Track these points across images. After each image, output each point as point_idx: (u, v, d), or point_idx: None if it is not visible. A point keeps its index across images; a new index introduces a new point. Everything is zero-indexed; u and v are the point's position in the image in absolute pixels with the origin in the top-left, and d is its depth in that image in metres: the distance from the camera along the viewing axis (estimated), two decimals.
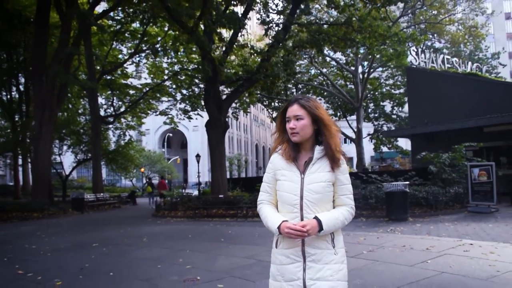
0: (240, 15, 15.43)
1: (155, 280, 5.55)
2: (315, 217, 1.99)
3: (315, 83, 36.46)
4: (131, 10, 23.67)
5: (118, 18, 26.98)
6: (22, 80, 29.98)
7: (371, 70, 34.61)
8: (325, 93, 36.70)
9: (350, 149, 43.80)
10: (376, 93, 39.08)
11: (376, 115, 40.26)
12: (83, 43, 23.97)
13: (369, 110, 39.99)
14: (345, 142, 44.17)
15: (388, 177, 14.65)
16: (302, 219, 2.04)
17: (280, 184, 2.13)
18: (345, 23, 18.59)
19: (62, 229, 12.99)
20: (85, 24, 20.02)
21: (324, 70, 35.62)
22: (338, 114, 38.38)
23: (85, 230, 12.75)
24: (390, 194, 11.64)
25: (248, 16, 17.12)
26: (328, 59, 34.19)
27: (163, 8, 13.87)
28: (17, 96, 30.56)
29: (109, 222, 15.30)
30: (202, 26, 16.84)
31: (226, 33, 20.15)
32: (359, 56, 32.02)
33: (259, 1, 18.46)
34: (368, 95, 38.24)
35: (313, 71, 36.45)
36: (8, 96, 30.65)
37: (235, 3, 14.04)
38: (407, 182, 12.25)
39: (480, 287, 4.63)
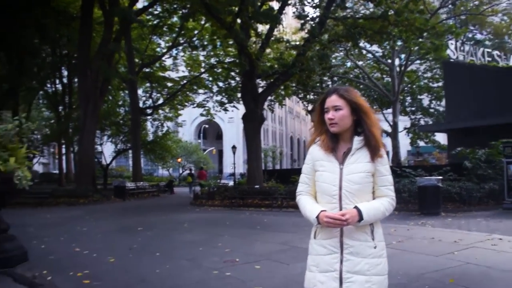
0: (276, 11, 15.79)
1: (198, 260, 6.10)
2: (355, 207, 2.00)
3: (351, 76, 36.28)
4: (169, 5, 24.41)
5: (157, 13, 27.75)
6: (65, 73, 31.36)
7: (409, 62, 34.08)
8: (361, 86, 36.47)
9: (385, 143, 43.37)
10: (414, 86, 38.42)
11: (413, 108, 39.66)
12: (123, 38, 24.90)
13: (406, 103, 39.40)
14: (381, 135, 43.82)
15: (422, 172, 14.72)
16: (341, 210, 2.04)
17: (319, 175, 2.14)
18: (381, 16, 18.57)
19: (108, 214, 13.85)
20: (126, 20, 20.85)
21: (360, 63, 35.36)
22: (374, 107, 38.07)
23: (129, 215, 13.56)
24: (422, 189, 11.81)
25: (284, 11, 17.40)
26: (364, 51, 33.93)
27: (202, 5, 14.39)
28: (60, 88, 32.01)
29: (150, 209, 16.14)
30: (239, 20, 17.35)
31: (262, 27, 20.52)
32: (396, 49, 31.63)
33: None
34: (405, 88, 37.68)
35: (349, 64, 36.27)
36: (53, 88, 32.20)
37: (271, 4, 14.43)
38: (440, 177, 12.36)
39: (502, 278, 4.87)
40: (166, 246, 7.35)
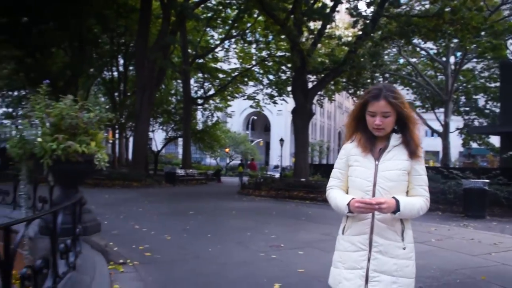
0: (329, 9, 16.02)
1: (246, 243, 6.65)
2: (393, 197, 1.96)
3: (403, 73, 35.62)
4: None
5: (211, 5, 28.45)
6: (121, 61, 32.83)
7: (465, 61, 33.01)
8: (413, 84, 35.75)
9: (435, 143, 42.40)
10: (469, 85, 37.14)
11: (467, 109, 38.39)
12: (179, 30, 25.81)
13: (460, 103, 38.20)
14: (431, 135, 42.76)
15: (470, 174, 14.54)
16: None
17: (352, 169, 2.13)
18: (435, 14, 18.28)
19: (160, 198, 14.73)
20: (182, 14, 21.67)
21: (414, 60, 34.63)
22: (426, 106, 37.25)
23: (180, 200, 14.38)
24: (468, 191, 11.77)
25: (337, 8, 17.55)
26: (418, 49, 33.18)
27: (257, 2, 14.86)
28: (116, 75, 33.56)
29: (199, 195, 16.94)
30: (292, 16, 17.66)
31: (314, 24, 20.72)
32: (452, 46, 30.73)
33: None
34: (460, 87, 36.54)
35: (401, 61, 35.60)
36: (109, 76, 33.83)
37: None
38: (487, 181, 12.24)
39: None
40: (216, 230, 7.96)
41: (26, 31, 22.75)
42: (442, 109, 34.78)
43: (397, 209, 1.94)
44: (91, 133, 4.94)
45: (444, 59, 32.62)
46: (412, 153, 2.06)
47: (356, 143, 2.15)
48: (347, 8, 20.41)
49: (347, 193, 2.15)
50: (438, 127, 34.93)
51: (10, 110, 45.87)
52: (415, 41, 27.48)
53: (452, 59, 33.19)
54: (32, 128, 4.65)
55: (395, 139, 2.09)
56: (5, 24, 22.31)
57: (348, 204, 2.02)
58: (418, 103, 36.63)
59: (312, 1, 14.97)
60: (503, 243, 7.18)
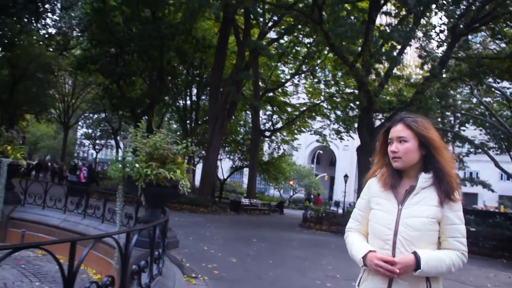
0: (396, 51, 16.46)
1: (304, 272, 7.20)
2: (414, 252, 1.71)
3: (476, 112, 34.52)
4: (296, 38, 26.26)
5: (283, 42, 29.70)
6: (194, 91, 34.76)
7: None
8: (487, 124, 34.47)
9: (508, 187, 40.22)
10: None
11: None
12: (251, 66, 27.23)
13: None
14: (507, 179, 40.59)
15: None
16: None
17: (373, 213, 1.88)
18: (509, 56, 18.04)
19: (225, 224, 15.57)
20: (256, 52, 22.98)
21: (488, 99, 33.52)
22: (502, 147, 35.62)
23: (244, 228, 15.12)
24: None
25: (404, 51, 17.89)
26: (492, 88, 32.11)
27: (328, 45, 15.65)
28: (189, 104, 35.47)
29: (262, 224, 17.62)
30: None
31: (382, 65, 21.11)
32: None
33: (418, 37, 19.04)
34: None
35: (474, 100, 34.57)
36: (183, 104, 35.83)
37: (393, 43, 15.12)
38: None
39: None
40: (277, 257, 8.56)
41: (114, 61, 25.31)
42: None
43: (417, 266, 1.68)
44: (177, 162, 5.82)
45: None
46: (445, 196, 1.75)
47: (379, 178, 1.92)
48: (416, 48, 20.63)
49: (367, 237, 1.93)
50: None
51: (90, 131, 50.15)
52: (489, 80, 26.84)
53: None
54: (132, 155, 5.63)
55: (424, 179, 1.80)
56: (97, 55, 25.01)
57: (364, 257, 1.80)
58: (491, 144, 35.19)
59: (380, 43, 15.49)
60: None
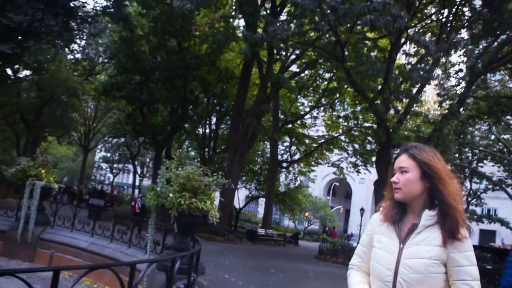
0: (416, 89, 16.87)
1: None
2: None
3: (495, 149, 34.31)
4: (316, 71, 26.94)
5: (304, 75, 30.31)
6: (214, 119, 35.33)
7: None
8: (505, 161, 34.18)
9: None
10: None
11: None
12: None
13: None
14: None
15: None
16: None
17: (374, 252, 1.78)
18: None
19: (243, 254, 15.79)
20: (278, 84, 23.59)
21: (506, 136, 33.34)
22: None
23: (261, 257, 15.33)
24: None
25: (423, 89, 18.27)
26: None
27: (349, 82, 16.15)
28: (208, 132, 36.03)
29: (278, 255, 17.78)
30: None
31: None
32: None
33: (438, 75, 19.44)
34: None
35: (493, 137, 34.44)
36: (202, 132, 36.36)
37: (412, 85, 15.62)
38: None
39: None
40: (295, 287, 8.77)
41: (139, 89, 26.16)
42: None
43: None
44: (207, 193, 6.19)
45: None
46: (449, 235, 1.63)
47: (382, 211, 1.84)
48: (435, 85, 20.96)
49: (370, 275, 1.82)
50: None
51: (108, 155, 51.00)
52: (508, 117, 26.88)
53: None
54: (166, 186, 6.02)
55: (428, 217, 1.68)
56: (122, 82, 25.91)
57: None
58: (510, 181, 34.77)
59: (399, 81, 15.92)
60: None
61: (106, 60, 31.36)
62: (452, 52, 14.81)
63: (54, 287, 2.07)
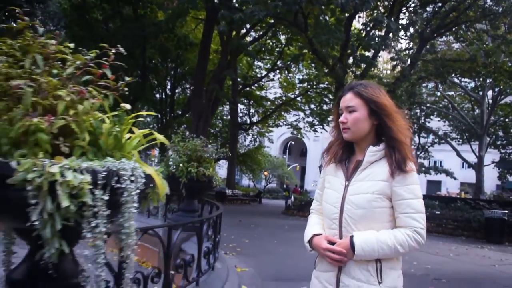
0: (371, 55, 18.30)
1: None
2: (351, 236, 1.62)
3: (440, 105, 36.86)
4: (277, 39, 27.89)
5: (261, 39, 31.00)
6: (169, 85, 35.47)
7: (502, 96, 33.90)
8: (450, 117, 36.91)
9: (468, 175, 43.13)
10: (507, 119, 37.78)
11: (504, 142, 39.04)
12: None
13: (499, 136, 38.82)
14: (468, 167, 43.42)
15: (496, 206, 16.15)
16: (341, 239, 1.67)
17: (324, 192, 1.81)
18: (469, 59, 20.11)
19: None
20: (238, 50, 24.32)
21: (451, 93, 35.72)
22: (464, 138, 38.16)
23: (236, 216, 16.59)
24: (489, 220, 13.51)
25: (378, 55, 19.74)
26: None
27: (310, 50, 17.21)
28: (163, 97, 36.10)
29: (251, 213, 19.26)
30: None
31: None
32: (488, 84, 31.93)
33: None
34: (498, 121, 37.28)
35: (438, 94, 36.89)
36: (159, 97, 36.40)
37: (368, 51, 16.93)
38: (506, 211, 13.90)
39: None
40: (279, 238, 10.18)
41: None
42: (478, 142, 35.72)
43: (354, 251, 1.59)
44: (209, 161, 7.24)
45: (481, 93, 33.62)
46: (396, 167, 1.62)
47: (330, 152, 1.85)
48: (388, 52, 22.31)
49: None
50: (474, 159, 35.75)
51: None
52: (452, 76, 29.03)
53: (489, 93, 34.00)
54: (177, 157, 7.00)
55: (372, 153, 1.69)
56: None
57: (310, 241, 1.79)
58: (454, 135, 37.61)
59: (356, 47, 17.19)
60: (508, 259, 9.03)
61: (53, 28, 30.47)
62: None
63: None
